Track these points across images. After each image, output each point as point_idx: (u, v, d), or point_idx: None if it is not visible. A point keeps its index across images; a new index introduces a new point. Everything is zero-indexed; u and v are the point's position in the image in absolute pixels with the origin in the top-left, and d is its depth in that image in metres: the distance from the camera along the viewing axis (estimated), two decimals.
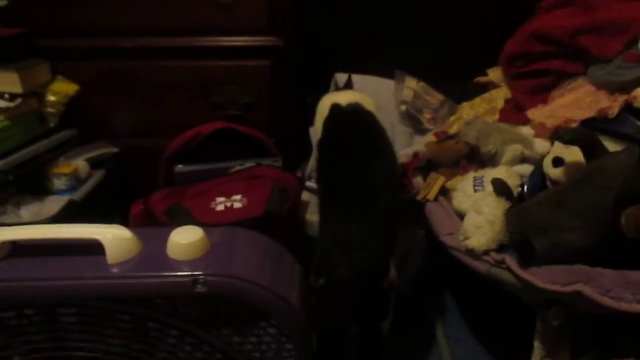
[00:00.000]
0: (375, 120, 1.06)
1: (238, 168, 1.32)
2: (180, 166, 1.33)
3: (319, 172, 1.08)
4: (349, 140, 1.03)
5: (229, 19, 1.31)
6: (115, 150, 1.41)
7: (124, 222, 1.24)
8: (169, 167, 1.31)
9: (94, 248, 0.70)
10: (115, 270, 0.69)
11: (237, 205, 1.19)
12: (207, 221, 1.12)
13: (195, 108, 1.39)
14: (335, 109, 1.08)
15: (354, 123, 1.07)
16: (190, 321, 0.71)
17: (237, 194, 1.22)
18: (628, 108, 0.94)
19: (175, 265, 0.70)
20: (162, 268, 0.69)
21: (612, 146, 0.92)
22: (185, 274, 0.69)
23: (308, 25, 1.49)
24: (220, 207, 1.19)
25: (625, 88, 0.96)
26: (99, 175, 1.34)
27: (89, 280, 0.68)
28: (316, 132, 1.13)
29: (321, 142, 1.09)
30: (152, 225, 1.16)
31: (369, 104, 1.10)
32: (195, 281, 0.68)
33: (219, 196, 1.22)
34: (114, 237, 0.71)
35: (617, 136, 0.94)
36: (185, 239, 0.71)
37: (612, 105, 0.96)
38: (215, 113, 1.38)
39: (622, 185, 0.83)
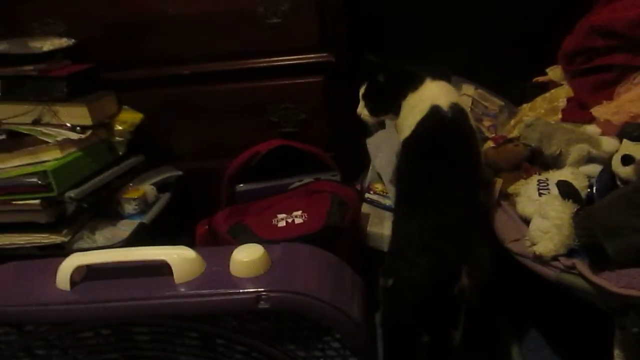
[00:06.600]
0: (471, 128, 1.04)
1: (297, 184, 1.34)
2: (241, 185, 1.36)
3: (398, 170, 1.06)
4: (444, 147, 1.01)
5: (280, 39, 1.34)
6: (179, 173, 1.46)
7: (191, 241, 1.30)
8: (230, 186, 1.35)
9: (162, 269, 0.73)
10: (181, 290, 0.72)
11: (298, 220, 1.21)
12: (268, 237, 1.15)
13: (252, 128, 1.43)
14: (436, 111, 1.04)
15: (453, 130, 1.03)
16: (256, 337, 0.73)
17: (297, 209, 1.24)
18: None
19: (238, 282, 0.72)
20: (225, 285, 0.72)
21: None
22: (248, 290, 0.70)
23: (361, 36, 1.49)
24: (282, 223, 1.21)
25: None
26: (165, 198, 1.39)
27: (158, 300, 0.71)
28: (398, 127, 1.09)
29: (408, 141, 1.06)
30: (217, 244, 1.19)
31: (462, 101, 1.07)
32: (257, 297, 0.69)
33: (280, 212, 1.24)
34: (180, 258, 0.73)
35: None
36: (246, 257, 0.73)
37: None
38: (271, 131, 1.41)
39: None
